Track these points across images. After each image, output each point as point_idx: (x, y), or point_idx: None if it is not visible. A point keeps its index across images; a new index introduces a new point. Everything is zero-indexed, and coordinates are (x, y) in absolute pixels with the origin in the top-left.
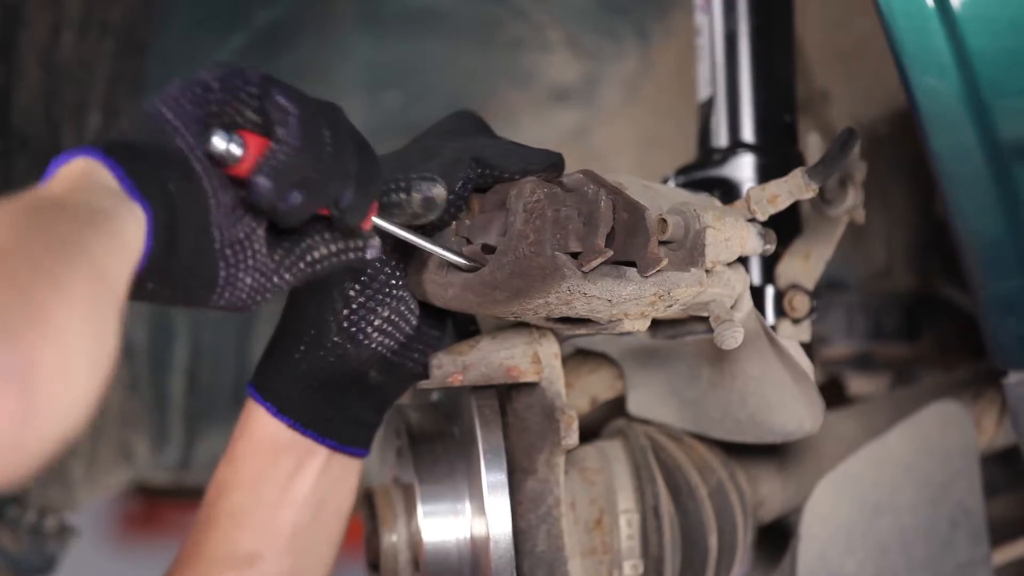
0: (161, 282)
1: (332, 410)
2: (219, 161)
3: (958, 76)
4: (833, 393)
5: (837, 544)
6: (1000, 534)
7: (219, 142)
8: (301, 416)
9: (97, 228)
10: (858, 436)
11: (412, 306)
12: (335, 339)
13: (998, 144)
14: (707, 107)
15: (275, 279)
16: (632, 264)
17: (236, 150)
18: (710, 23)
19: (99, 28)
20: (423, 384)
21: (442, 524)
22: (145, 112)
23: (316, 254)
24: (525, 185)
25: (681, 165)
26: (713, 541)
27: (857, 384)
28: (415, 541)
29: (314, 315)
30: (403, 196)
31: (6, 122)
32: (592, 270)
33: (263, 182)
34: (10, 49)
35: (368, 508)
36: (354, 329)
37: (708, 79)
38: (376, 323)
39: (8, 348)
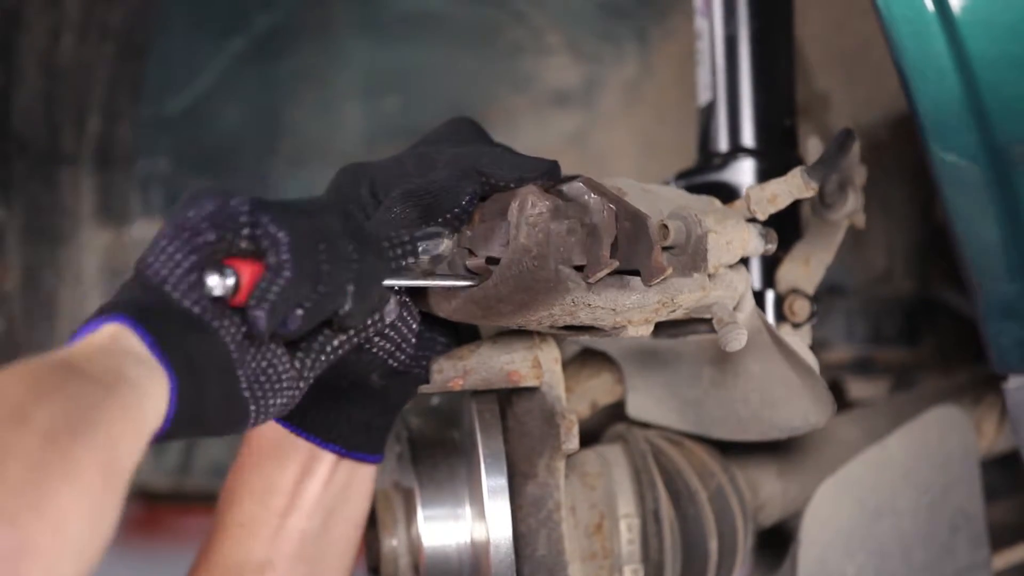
0: (190, 432)
1: (335, 415)
2: (221, 299)
3: (958, 80)
4: (833, 397)
5: (837, 548)
6: (1000, 538)
7: (215, 284)
8: (303, 421)
9: (117, 400)
10: (858, 440)
11: (414, 312)
12: None
13: (998, 148)
14: (707, 111)
15: (301, 384)
16: (635, 273)
17: (230, 282)
18: (710, 27)
19: (99, 31)
20: (424, 388)
21: (442, 528)
22: (145, 277)
23: (335, 343)
24: (527, 197)
25: (681, 169)
26: (713, 545)
27: (857, 388)
28: (415, 545)
29: None
30: (411, 260)
31: (5, 125)
32: (597, 281)
33: (259, 315)
34: (10, 52)
35: (368, 512)
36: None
37: (708, 83)
38: (380, 328)
39: (5, 530)
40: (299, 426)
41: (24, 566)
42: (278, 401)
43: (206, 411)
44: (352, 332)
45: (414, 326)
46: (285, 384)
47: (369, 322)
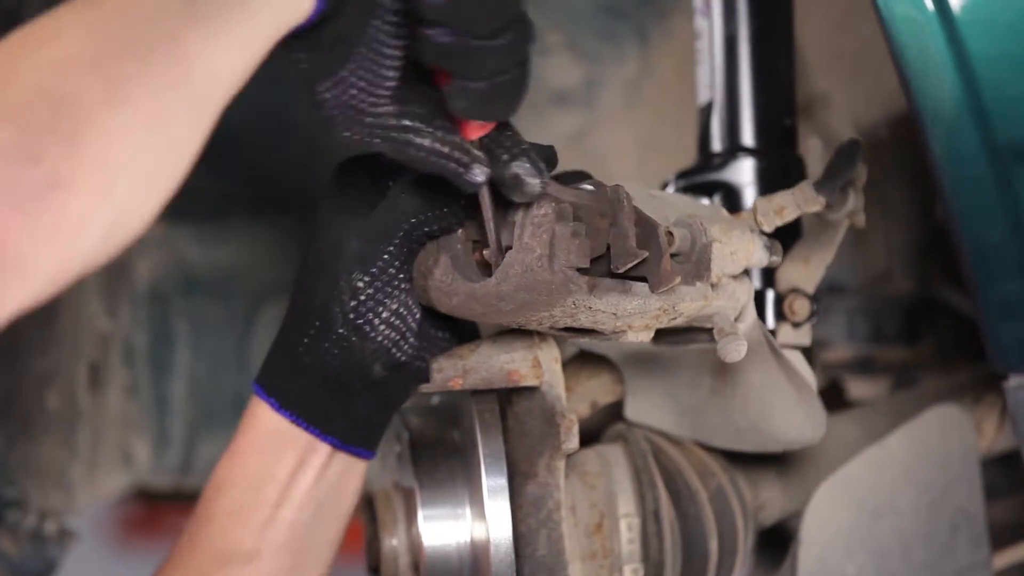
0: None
1: (336, 406)
2: None
3: (958, 80)
4: (833, 397)
5: (837, 548)
6: (1001, 538)
7: None
8: (304, 411)
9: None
10: (858, 440)
11: (415, 300)
12: (340, 331)
13: (998, 147)
14: (707, 111)
15: (368, 120)
16: (639, 278)
17: None
18: (710, 27)
19: None
20: (424, 388)
21: (442, 528)
22: None
23: (419, 141)
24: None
25: (681, 169)
26: (713, 545)
27: (857, 388)
28: (415, 545)
29: (320, 306)
30: (504, 157)
31: None
32: (598, 286)
33: None
34: None
35: (368, 512)
36: (361, 321)
37: (708, 83)
38: (384, 315)
39: (26, 168)
40: (300, 416)
41: (54, 202)
42: (359, 86)
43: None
44: (446, 148)
45: (417, 314)
46: (374, 89)
47: (458, 155)
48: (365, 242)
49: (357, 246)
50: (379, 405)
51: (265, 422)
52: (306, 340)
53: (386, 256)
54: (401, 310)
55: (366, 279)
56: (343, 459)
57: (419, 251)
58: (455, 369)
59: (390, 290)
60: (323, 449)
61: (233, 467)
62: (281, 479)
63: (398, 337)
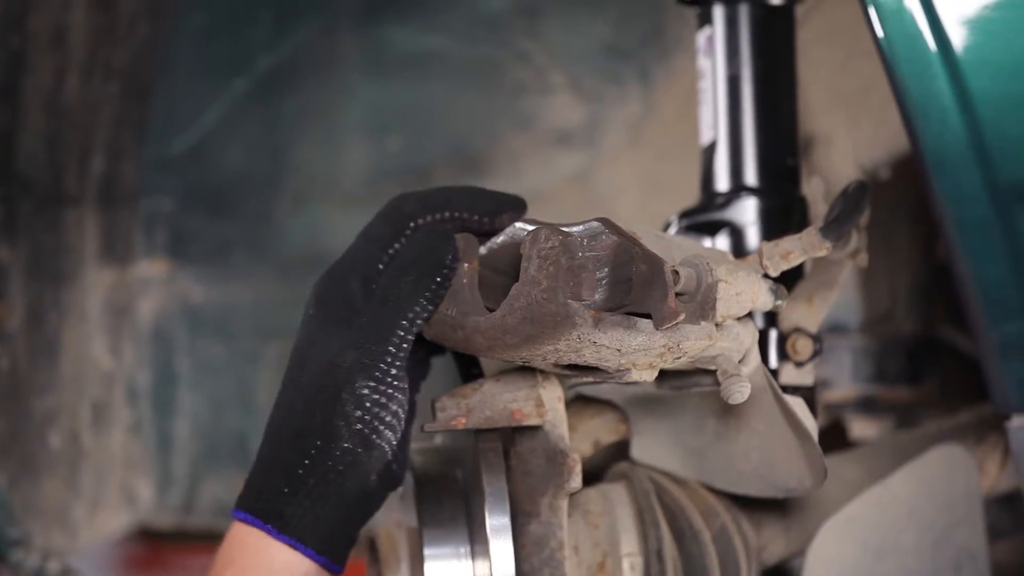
0: None
1: (335, 526)
2: None
3: (961, 119)
4: (836, 436)
5: None
6: None
7: None
8: (302, 534)
9: None
10: (861, 479)
11: (407, 393)
12: (345, 445)
13: (1000, 188)
14: (710, 150)
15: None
16: (644, 315)
17: None
18: (713, 66)
19: (103, 72)
20: (428, 427)
21: (445, 568)
22: None
23: None
24: (540, 231)
25: (684, 208)
26: None
27: (860, 427)
28: None
29: (321, 424)
30: None
31: (9, 166)
32: (603, 321)
33: None
34: (14, 93)
35: (372, 552)
36: (367, 431)
37: (711, 122)
38: (387, 419)
39: None
40: (301, 541)
41: None
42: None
43: None
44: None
45: (406, 405)
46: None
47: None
48: (363, 350)
49: (355, 356)
50: (364, 519)
51: (259, 551)
52: (307, 461)
53: (387, 358)
54: (399, 409)
55: (371, 384)
56: None
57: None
58: (458, 408)
59: (392, 391)
60: (314, 571)
61: None
62: None
63: (393, 437)
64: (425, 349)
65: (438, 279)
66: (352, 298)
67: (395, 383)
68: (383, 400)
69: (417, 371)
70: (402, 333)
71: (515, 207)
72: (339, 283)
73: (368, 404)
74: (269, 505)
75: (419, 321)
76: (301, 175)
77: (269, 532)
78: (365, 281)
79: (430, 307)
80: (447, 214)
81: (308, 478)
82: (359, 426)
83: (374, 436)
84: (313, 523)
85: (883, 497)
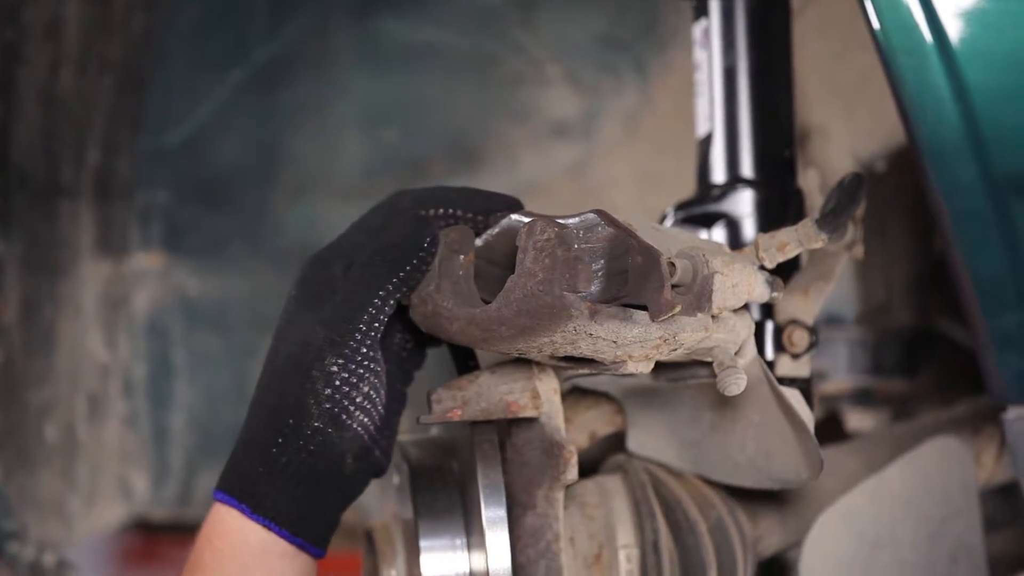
0: None
1: (308, 508)
2: None
3: (957, 111)
4: (832, 428)
5: None
6: (999, 569)
7: None
8: (275, 515)
9: None
10: (857, 471)
11: (383, 377)
12: (316, 424)
13: (997, 179)
14: (706, 142)
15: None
16: (640, 307)
17: None
18: (709, 58)
19: (98, 65)
20: (423, 419)
21: (442, 560)
22: None
23: None
24: (536, 223)
25: (680, 200)
26: None
27: (856, 419)
28: None
29: (293, 403)
30: None
31: (5, 159)
32: (599, 312)
33: None
34: (9, 86)
35: (368, 544)
36: (337, 409)
37: (707, 114)
38: (358, 400)
39: None
40: (274, 521)
41: None
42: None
43: None
44: None
45: (382, 389)
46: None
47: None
48: (333, 327)
49: (325, 334)
50: (343, 503)
51: (233, 530)
52: (280, 440)
53: (357, 336)
54: (371, 392)
55: (340, 362)
56: (306, 561)
57: (386, 322)
58: (454, 400)
59: (362, 371)
60: (291, 553)
61: None
62: None
63: (368, 421)
64: (415, 337)
65: (414, 261)
66: (333, 281)
67: (366, 363)
68: (353, 379)
69: (410, 361)
70: (373, 311)
71: (511, 208)
72: (322, 267)
73: (338, 382)
74: (244, 484)
75: (391, 301)
76: (297, 168)
77: (243, 512)
78: (348, 267)
79: (403, 288)
80: (442, 210)
81: (281, 457)
82: (328, 405)
83: (344, 416)
84: (287, 504)
85: (879, 489)
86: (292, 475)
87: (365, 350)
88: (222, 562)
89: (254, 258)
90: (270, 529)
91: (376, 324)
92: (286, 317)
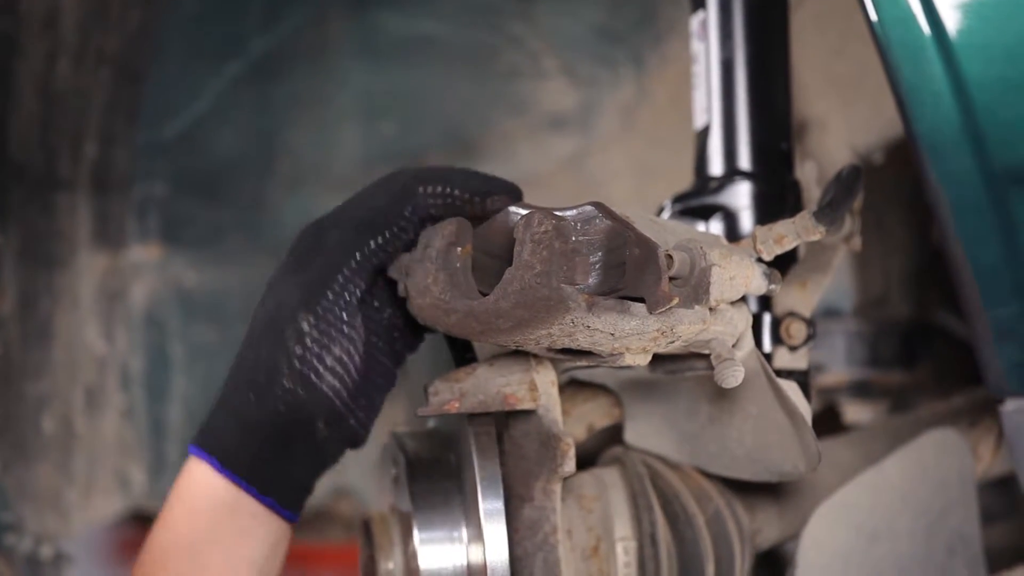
0: None
1: (278, 468)
2: None
3: (955, 104)
4: (830, 420)
5: (834, 572)
6: (997, 561)
7: None
8: (244, 471)
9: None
10: (855, 464)
11: (359, 345)
12: (286, 384)
13: (994, 171)
14: (703, 134)
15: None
16: (637, 299)
17: None
18: (706, 51)
19: (95, 57)
20: (421, 411)
21: (439, 552)
22: None
23: None
24: (534, 215)
25: (677, 193)
26: (710, 569)
27: (854, 412)
28: (412, 569)
29: (265, 359)
30: None
31: (2, 151)
32: (596, 305)
33: None
34: (6, 78)
35: (365, 536)
36: (306, 369)
37: (704, 107)
38: (328, 362)
39: None
40: (239, 475)
41: None
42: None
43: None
44: None
45: (357, 359)
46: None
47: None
48: (307, 287)
49: (300, 293)
50: (313, 468)
51: (203, 485)
52: (252, 396)
53: (330, 295)
54: (344, 357)
55: (311, 319)
56: (277, 523)
57: (366, 288)
58: (451, 392)
59: (334, 333)
60: (262, 514)
61: (170, 536)
62: (223, 545)
63: (340, 386)
64: (405, 316)
65: (394, 229)
66: (320, 247)
67: (340, 326)
68: (324, 340)
69: (402, 340)
70: (348, 273)
71: (509, 192)
72: (315, 233)
73: (308, 341)
74: (216, 439)
75: (368, 266)
76: (294, 160)
77: (212, 464)
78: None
79: (381, 254)
80: (439, 188)
81: (250, 412)
82: (298, 364)
83: (313, 376)
84: (256, 462)
85: (877, 481)
86: (262, 433)
87: (338, 311)
88: (192, 517)
89: (251, 250)
90: (239, 486)
91: (351, 287)
92: (273, 277)
